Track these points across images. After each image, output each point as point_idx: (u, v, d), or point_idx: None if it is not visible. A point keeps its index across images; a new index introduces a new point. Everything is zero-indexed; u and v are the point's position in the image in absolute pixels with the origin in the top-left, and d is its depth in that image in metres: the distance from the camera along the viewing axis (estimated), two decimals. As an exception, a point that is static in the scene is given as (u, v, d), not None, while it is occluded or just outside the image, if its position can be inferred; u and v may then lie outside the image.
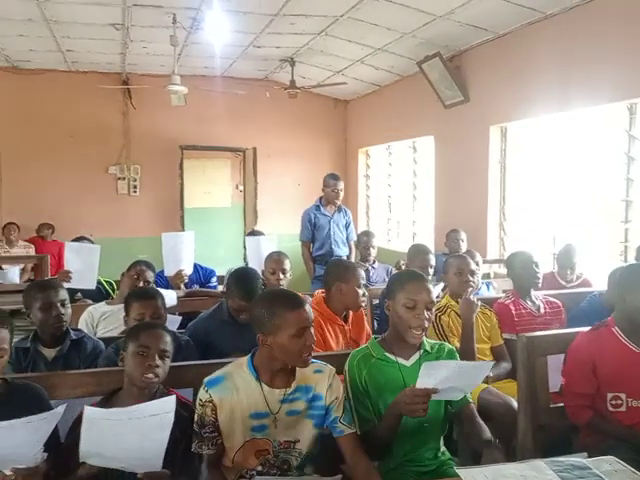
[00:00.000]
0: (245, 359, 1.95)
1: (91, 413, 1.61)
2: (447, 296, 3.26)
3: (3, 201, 7.48)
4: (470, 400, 2.15)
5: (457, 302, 3.14)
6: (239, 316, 2.80)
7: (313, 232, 5.32)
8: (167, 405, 1.65)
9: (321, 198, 5.41)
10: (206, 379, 1.90)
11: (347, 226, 5.46)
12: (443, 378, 1.84)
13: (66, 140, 7.71)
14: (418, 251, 3.96)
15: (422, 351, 2.15)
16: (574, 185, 4.91)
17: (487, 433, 2.07)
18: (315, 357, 2.08)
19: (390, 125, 7.52)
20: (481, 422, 2.13)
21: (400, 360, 2.11)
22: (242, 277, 2.90)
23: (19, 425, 1.56)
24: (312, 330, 1.89)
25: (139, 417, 1.60)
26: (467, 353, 2.87)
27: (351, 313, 3.06)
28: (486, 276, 4.35)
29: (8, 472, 1.62)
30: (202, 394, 1.87)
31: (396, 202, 7.95)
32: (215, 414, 1.85)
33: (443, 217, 6.32)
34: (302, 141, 8.63)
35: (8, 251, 6.78)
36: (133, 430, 1.60)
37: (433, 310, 2.15)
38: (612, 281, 3.29)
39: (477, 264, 3.86)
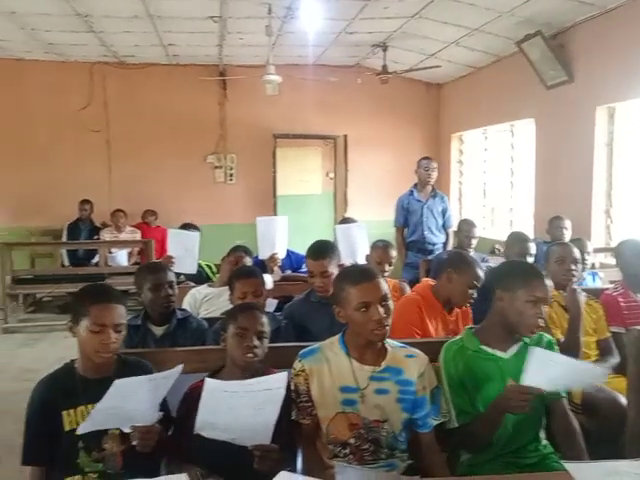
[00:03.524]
0: (338, 335, 2.02)
1: (211, 384, 1.70)
2: (548, 286, 3.12)
3: (113, 189, 7.99)
4: (564, 395, 2.07)
5: (559, 292, 3.01)
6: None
7: (406, 217, 5.27)
8: (279, 381, 1.71)
9: (416, 184, 5.34)
10: (301, 352, 2.01)
11: (444, 212, 5.31)
12: (553, 376, 1.77)
13: (168, 131, 8.07)
14: (517, 239, 3.84)
15: (521, 343, 2.08)
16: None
17: (577, 433, 2.01)
18: (408, 343, 2.10)
19: (486, 108, 7.25)
20: (573, 419, 2.05)
21: (498, 353, 2.06)
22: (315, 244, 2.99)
23: (142, 382, 1.69)
24: (389, 305, 1.88)
25: (253, 390, 1.67)
26: (572, 346, 2.75)
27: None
28: (591, 266, 4.11)
29: (127, 429, 1.75)
30: (296, 364, 1.98)
31: (491, 189, 7.69)
32: (307, 383, 1.94)
33: (543, 204, 6.04)
34: (393, 127, 8.53)
35: (117, 236, 7.25)
36: (247, 403, 1.67)
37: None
38: None
39: (588, 253, 3.67)
